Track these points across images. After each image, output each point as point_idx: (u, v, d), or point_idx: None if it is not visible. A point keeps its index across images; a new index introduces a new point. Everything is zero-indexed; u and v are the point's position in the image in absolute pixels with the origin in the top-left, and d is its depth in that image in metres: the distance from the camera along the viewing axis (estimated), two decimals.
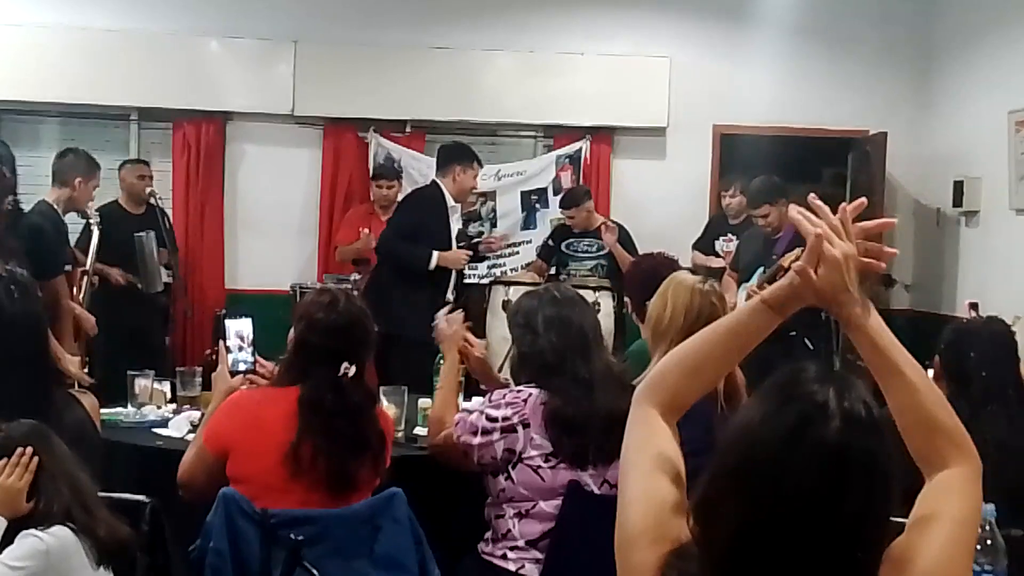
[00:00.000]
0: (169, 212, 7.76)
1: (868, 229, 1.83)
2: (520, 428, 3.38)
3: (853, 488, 1.51)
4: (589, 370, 3.41)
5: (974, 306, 5.99)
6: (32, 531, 2.62)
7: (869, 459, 1.52)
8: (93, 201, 6.19)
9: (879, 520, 1.54)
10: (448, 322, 4.08)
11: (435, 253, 6.26)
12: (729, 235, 7.69)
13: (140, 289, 6.94)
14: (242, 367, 3.65)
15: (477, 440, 3.42)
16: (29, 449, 2.68)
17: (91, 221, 6.34)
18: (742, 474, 1.55)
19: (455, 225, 6.49)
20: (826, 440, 1.51)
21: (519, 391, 3.47)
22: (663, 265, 4.42)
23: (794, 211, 1.80)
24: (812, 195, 1.83)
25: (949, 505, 1.67)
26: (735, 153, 8.69)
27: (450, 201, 6.41)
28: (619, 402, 3.15)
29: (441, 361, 4.09)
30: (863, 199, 1.92)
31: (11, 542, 2.61)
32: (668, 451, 1.82)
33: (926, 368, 4.27)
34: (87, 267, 6.15)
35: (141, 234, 6.92)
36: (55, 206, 5.93)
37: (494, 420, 3.41)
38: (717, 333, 1.86)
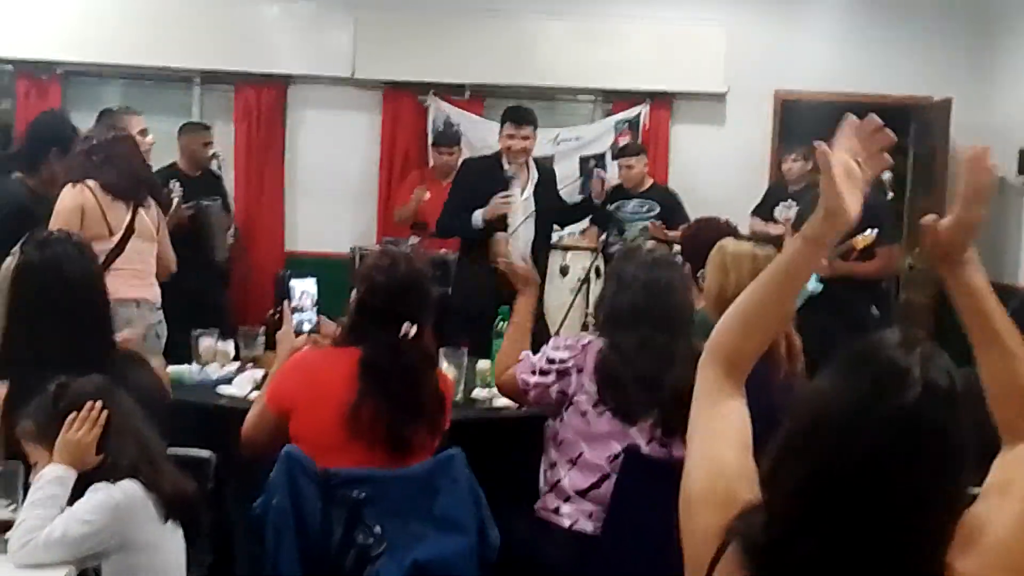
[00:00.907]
0: (230, 175, 7.82)
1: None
2: (574, 372, 3.48)
3: (924, 458, 1.48)
4: (670, 341, 3.41)
5: None
6: (102, 485, 2.67)
7: (945, 430, 1.50)
8: (148, 149, 6.13)
9: (949, 493, 1.52)
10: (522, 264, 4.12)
11: (476, 212, 6.06)
12: (789, 201, 7.63)
13: (209, 254, 7.00)
14: (306, 327, 3.69)
15: (534, 380, 3.54)
16: (99, 403, 2.73)
17: (173, 193, 6.38)
18: (813, 434, 1.54)
19: (517, 192, 6.16)
20: (904, 406, 1.49)
21: (579, 337, 3.60)
22: (719, 231, 4.33)
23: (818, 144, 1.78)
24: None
25: None
26: (794, 119, 8.60)
27: (507, 166, 6.22)
28: (692, 381, 3.18)
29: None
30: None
31: (81, 494, 2.67)
32: (733, 414, 1.81)
33: None
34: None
35: (206, 202, 6.97)
36: None
37: (552, 361, 3.51)
38: (768, 280, 1.84)
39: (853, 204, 1.74)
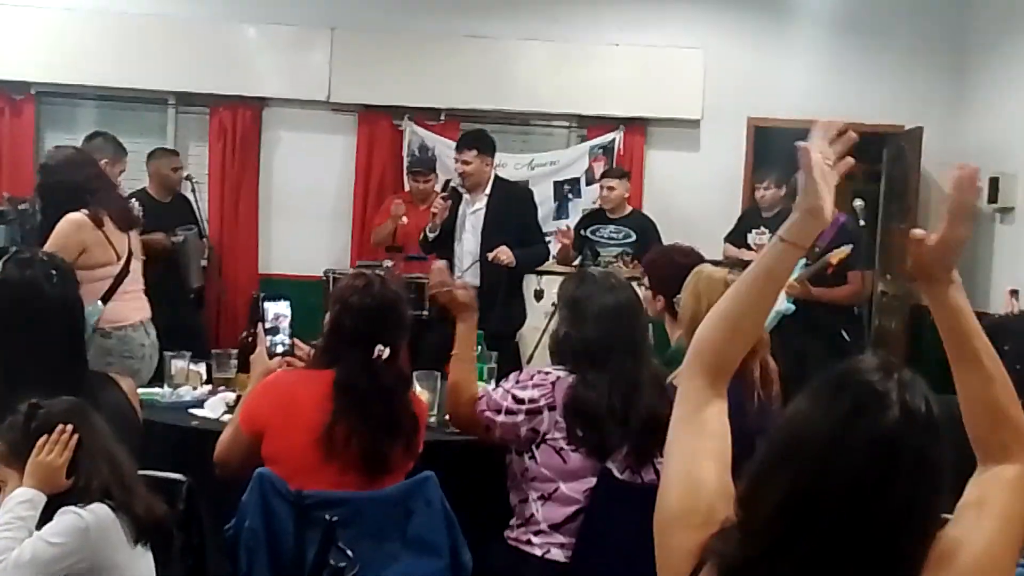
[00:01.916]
0: (205, 196, 7.82)
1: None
2: (546, 410, 3.39)
3: (900, 481, 1.49)
4: (637, 368, 3.39)
5: (1014, 293, 5.93)
6: (71, 508, 2.64)
7: (921, 455, 1.51)
8: (120, 186, 6.21)
9: (925, 516, 1.53)
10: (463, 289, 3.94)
11: (427, 226, 6.42)
12: (762, 228, 7.66)
13: (183, 282, 7.02)
14: (280, 349, 3.67)
15: (500, 419, 3.44)
16: (69, 427, 2.72)
17: (135, 211, 6.36)
18: (790, 456, 1.55)
19: (468, 209, 6.47)
20: (881, 429, 1.50)
21: (547, 372, 3.47)
22: (690, 259, 4.31)
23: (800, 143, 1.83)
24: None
25: (1002, 500, 1.66)
26: (769, 146, 8.66)
27: (455, 182, 6.49)
28: (660, 405, 3.19)
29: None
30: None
31: (50, 518, 2.64)
32: (714, 428, 1.81)
33: None
34: None
35: (179, 237, 6.97)
36: None
37: (520, 402, 3.42)
38: (748, 282, 1.87)
39: (829, 204, 1.76)
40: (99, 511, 2.66)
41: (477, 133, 6.70)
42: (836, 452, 1.51)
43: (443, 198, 6.33)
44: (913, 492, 1.50)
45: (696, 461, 1.77)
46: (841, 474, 1.50)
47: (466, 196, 6.43)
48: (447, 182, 6.60)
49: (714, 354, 1.86)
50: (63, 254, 3.89)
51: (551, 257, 7.53)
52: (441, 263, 4.18)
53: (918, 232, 1.77)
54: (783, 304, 5.64)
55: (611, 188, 7.46)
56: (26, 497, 2.64)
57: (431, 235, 6.43)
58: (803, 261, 6.09)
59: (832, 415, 1.53)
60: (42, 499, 2.66)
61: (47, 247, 4.44)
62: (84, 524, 2.62)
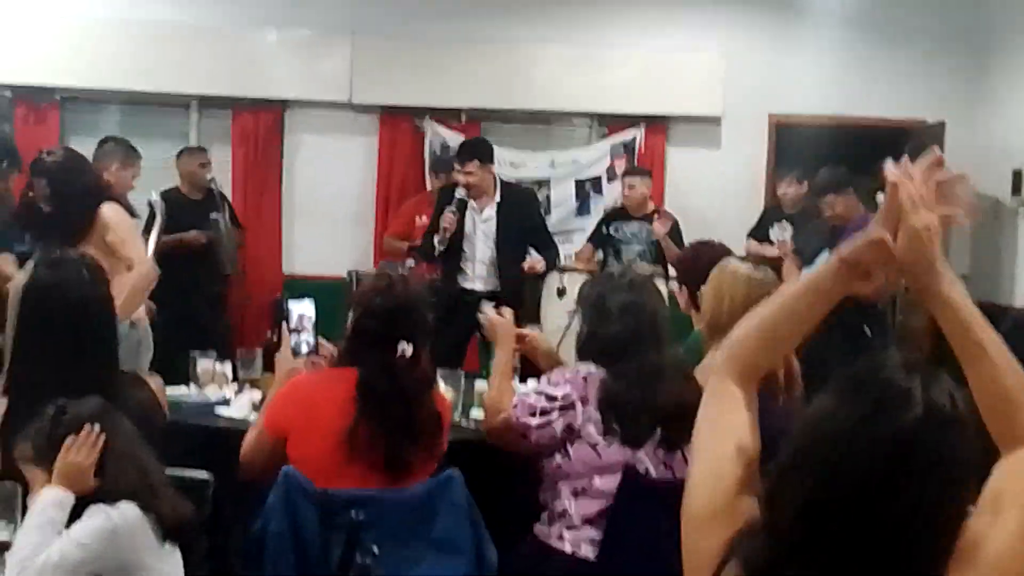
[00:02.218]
0: (228, 199, 7.85)
1: (943, 183, 1.75)
2: (579, 404, 3.40)
3: (925, 479, 1.48)
4: (660, 358, 3.42)
5: None
6: (100, 506, 2.65)
7: (945, 453, 1.49)
8: (132, 189, 6.23)
9: (950, 513, 1.52)
10: (499, 317, 4.01)
11: (435, 237, 6.41)
12: (784, 223, 7.65)
13: (215, 265, 7.05)
14: (304, 349, 3.69)
15: (536, 421, 3.42)
16: (96, 427, 2.73)
17: (155, 207, 6.40)
18: (813, 455, 1.54)
19: (478, 217, 6.48)
20: (905, 427, 1.49)
21: (577, 369, 3.50)
22: (717, 253, 4.35)
23: (889, 167, 1.73)
24: (889, 163, 1.75)
25: (1021, 488, 1.62)
26: (790, 143, 8.64)
27: (459, 190, 6.48)
28: (685, 392, 3.20)
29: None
30: (938, 152, 1.81)
31: (78, 516, 2.66)
32: (740, 427, 1.79)
33: None
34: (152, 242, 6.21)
35: (216, 216, 7.02)
36: None
37: (553, 399, 3.42)
38: (796, 294, 1.83)
39: (909, 245, 1.71)
40: (127, 511, 2.66)
41: (474, 143, 6.72)
42: (859, 451, 1.49)
43: (452, 212, 6.33)
44: (938, 489, 1.49)
45: (723, 463, 1.75)
46: (864, 473, 1.49)
47: (473, 204, 6.43)
48: (451, 191, 6.57)
49: (748, 358, 1.85)
50: (138, 242, 3.88)
51: (567, 257, 7.58)
52: (486, 305, 4.25)
53: (876, 233, 1.71)
54: None
55: (632, 187, 7.47)
56: (54, 498, 2.66)
57: (439, 247, 6.42)
58: (824, 251, 6.08)
59: (854, 413, 1.52)
60: (70, 500, 2.67)
61: (131, 243, 4.54)
62: (112, 525, 2.63)
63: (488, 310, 4.14)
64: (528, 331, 4.09)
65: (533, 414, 3.44)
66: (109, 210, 4.68)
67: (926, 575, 1.52)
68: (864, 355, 1.65)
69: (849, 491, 1.50)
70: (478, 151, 6.50)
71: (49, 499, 2.66)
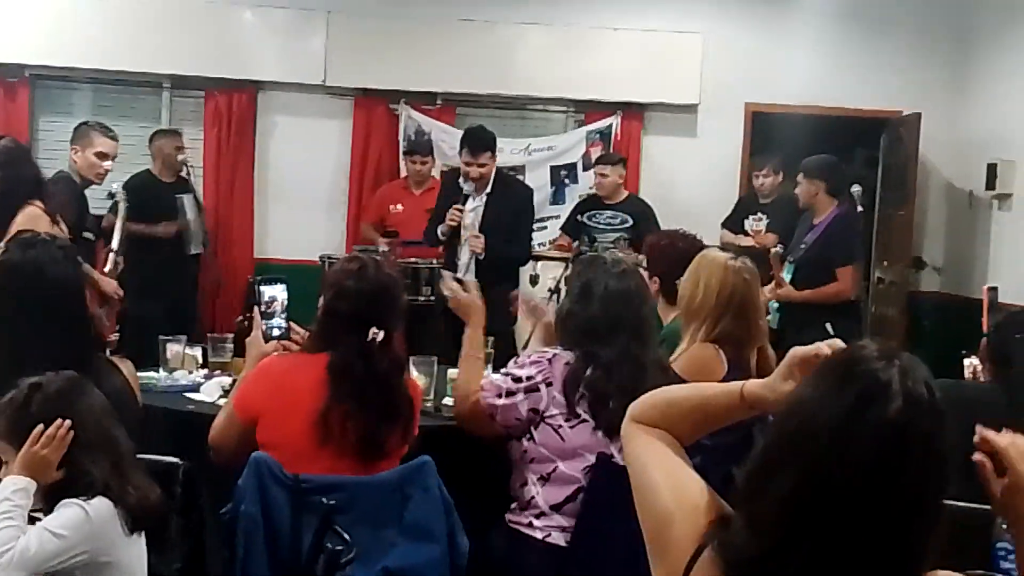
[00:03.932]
0: (200, 180, 7.80)
1: None
2: (543, 387, 3.41)
3: (909, 470, 1.48)
4: (642, 350, 3.42)
5: (992, 290, 5.94)
6: (74, 501, 2.63)
7: (927, 441, 1.50)
8: (95, 167, 6.16)
9: (933, 503, 1.52)
10: (465, 288, 3.95)
11: (439, 227, 6.33)
12: (759, 214, 7.67)
13: (183, 245, 7.00)
14: (276, 332, 3.66)
15: (501, 401, 3.45)
16: (67, 423, 2.69)
17: (116, 196, 6.36)
18: (797, 448, 1.53)
19: (470, 205, 6.39)
20: (886, 420, 1.48)
21: (544, 351, 3.51)
22: (693, 245, 4.36)
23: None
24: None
25: None
26: (767, 132, 8.66)
27: (465, 184, 6.37)
28: (664, 386, 3.20)
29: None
30: None
31: (50, 508, 2.63)
32: (675, 448, 1.83)
33: (971, 353, 4.24)
34: (114, 247, 6.14)
35: (181, 195, 6.98)
36: (70, 174, 6.07)
37: (518, 380, 3.44)
38: (691, 399, 1.91)
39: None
40: (100, 506, 2.64)
41: (482, 133, 6.47)
42: (842, 445, 1.49)
43: (458, 209, 6.25)
44: (921, 479, 1.50)
45: (672, 464, 1.79)
46: (849, 466, 1.48)
47: (473, 196, 6.34)
48: (455, 177, 6.49)
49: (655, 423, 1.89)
50: None
51: (540, 245, 7.55)
52: (446, 274, 4.15)
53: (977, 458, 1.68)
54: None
55: (603, 175, 7.45)
56: (20, 485, 2.63)
57: (442, 237, 6.39)
58: (788, 260, 6.10)
59: (836, 407, 1.51)
60: (33, 488, 2.64)
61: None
62: (86, 517, 2.60)
63: (450, 282, 4.02)
64: (536, 300, 4.02)
65: (500, 395, 3.46)
66: (30, 211, 4.72)
67: (910, 565, 1.53)
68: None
69: (835, 486, 1.49)
70: (491, 142, 6.37)
71: (15, 486, 2.63)
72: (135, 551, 2.73)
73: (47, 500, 2.66)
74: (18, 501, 2.61)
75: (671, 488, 1.74)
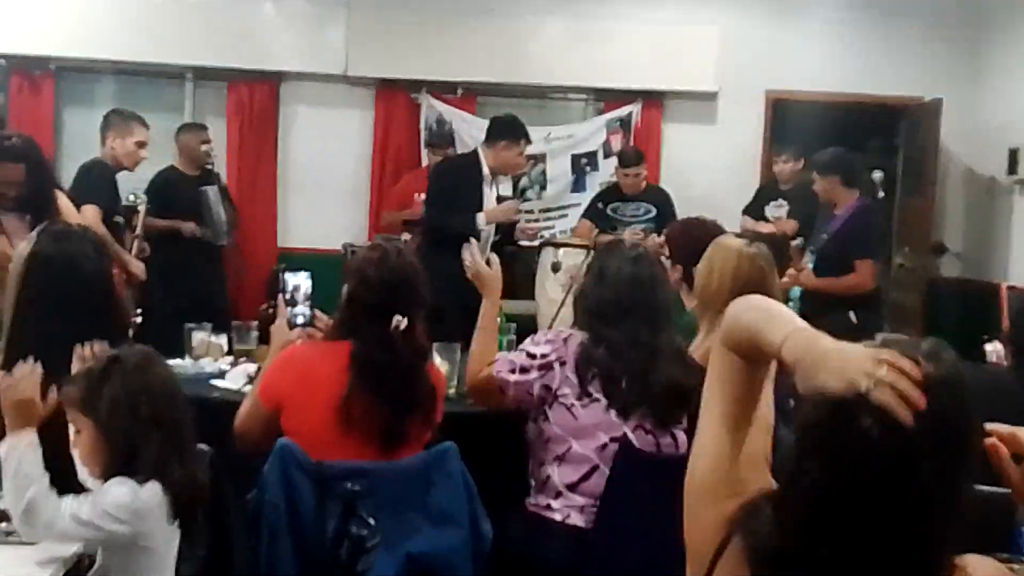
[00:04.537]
0: (223, 171, 7.84)
1: None
2: (557, 366, 3.45)
3: (933, 458, 1.46)
4: (654, 336, 3.43)
5: None
6: (127, 480, 2.61)
7: (953, 430, 1.47)
8: (134, 155, 6.28)
9: (958, 492, 1.50)
10: (486, 266, 3.96)
11: (479, 214, 6.16)
12: (780, 200, 7.66)
13: (208, 241, 7.06)
14: (300, 320, 3.69)
15: (514, 377, 3.49)
16: (31, 361, 2.70)
17: (137, 203, 6.47)
18: (819, 445, 1.51)
19: (491, 193, 6.37)
20: (918, 416, 1.42)
21: (560, 331, 3.56)
22: (715, 232, 4.32)
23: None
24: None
25: None
26: (786, 120, 8.64)
27: (486, 171, 6.34)
28: (680, 374, 3.23)
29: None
30: None
31: (53, 467, 2.63)
32: (743, 392, 1.73)
33: (994, 338, 4.23)
34: (138, 232, 6.27)
35: (205, 187, 7.03)
36: (105, 161, 6.22)
37: (533, 357, 3.48)
38: (752, 322, 1.72)
39: None
40: (150, 492, 2.61)
41: (517, 123, 6.44)
42: (873, 436, 1.46)
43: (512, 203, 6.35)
44: (950, 468, 1.47)
45: (724, 428, 1.72)
46: (878, 454, 1.46)
47: (490, 179, 6.32)
48: (460, 156, 6.48)
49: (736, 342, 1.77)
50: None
51: (562, 232, 7.57)
52: (472, 242, 4.15)
53: (991, 442, 1.64)
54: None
55: (627, 176, 7.39)
56: (29, 442, 2.64)
57: (482, 226, 6.24)
58: (809, 249, 6.10)
59: (863, 403, 1.46)
60: (31, 435, 2.64)
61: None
62: (138, 502, 2.59)
63: (474, 250, 4.02)
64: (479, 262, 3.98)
65: (513, 371, 3.50)
66: (62, 198, 4.98)
67: (936, 551, 1.52)
68: (856, 335, 1.62)
69: (861, 482, 1.47)
70: (525, 131, 6.35)
71: (26, 442, 2.64)
72: (171, 540, 2.73)
73: (104, 471, 2.64)
74: (37, 456, 2.62)
75: (714, 462, 1.72)
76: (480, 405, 3.75)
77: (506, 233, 6.42)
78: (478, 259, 3.95)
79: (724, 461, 1.71)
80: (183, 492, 2.68)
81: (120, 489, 2.61)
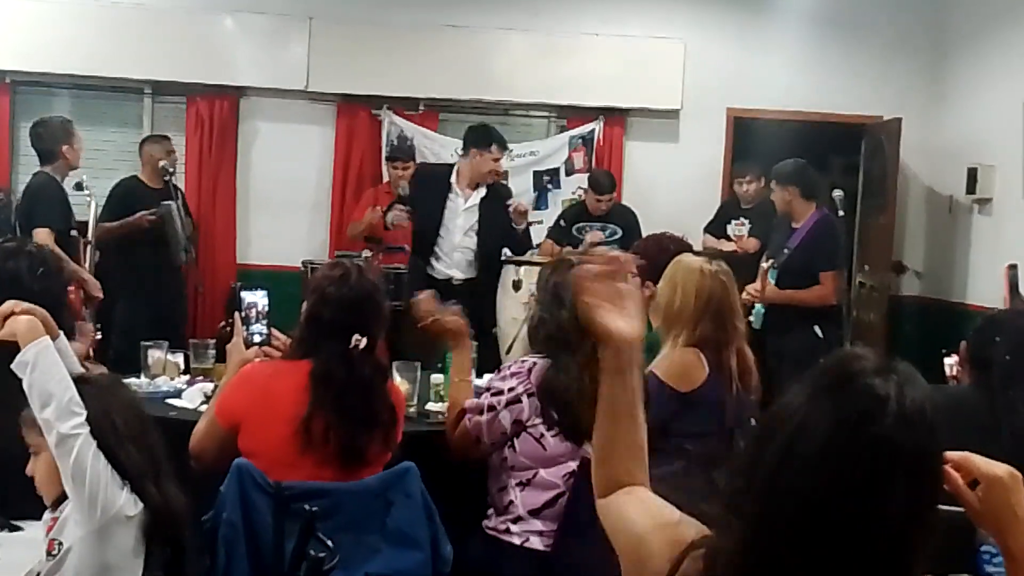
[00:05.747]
0: (182, 186, 7.78)
1: None
2: (525, 398, 3.42)
3: (900, 487, 1.45)
4: None
5: (1012, 267, 5.86)
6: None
7: (921, 459, 1.47)
8: (79, 153, 6.29)
9: (923, 520, 1.49)
10: (451, 317, 3.94)
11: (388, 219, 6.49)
12: (741, 219, 7.69)
13: (168, 256, 6.99)
14: (257, 339, 3.66)
15: (485, 418, 3.46)
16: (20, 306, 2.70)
17: (86, 192, 6.40)
18: (786, 459, 1.49)
19: (462, 204, 6.43)
20: (881, 436, 1.44)
21: (523, 361, 3.50)
22: (683, 248, 4.31)
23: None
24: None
25: None
26: (748, 137, 8.67)
27: (454, 179, 6.39)
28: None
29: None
30: None
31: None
32: (644, 494, 1.79)
33: (950, 353, 4.24)
34: (90, 238, 6.22)
35: (167, 203, 6.96)
36: (53, 175, 6.17)
37: (499, 393, 3.45)
38: (599, 428, 1.84)
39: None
40: (120, 500, 2.60)
41: (491, 130, 6.65)
42: (835, 460, 1.46)
43: (408, 213, 6.34)
44: (912, 497, 1.46)
45: (647, 497, 1.77)
46: (845, 480, 1.45)
47: (457, 191, 6.38)
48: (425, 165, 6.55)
49: (611, 483, 1.83)
50: None
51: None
52: (428, 293, 4.09)
53: (955, 481, 1.67)
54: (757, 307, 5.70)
55: (602, 201, 7.43)
56: (46, 344, 2.62)
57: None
58: (773, 266, 6.10)
59: (831, 419, 1.47)
60: (47, 341, 2.64)
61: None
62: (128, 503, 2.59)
63: (430, 304, 3.98)
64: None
65: (481, 411, 3.47)
66: None
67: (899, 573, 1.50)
68: (819, 352, 1.62)
69: (830, 499, 1.46)
70: (498, 137, 6.48)
71: (45, 344, 2.62)
72: (137, 560, 2.70)
73: (61, 496, 2.62)
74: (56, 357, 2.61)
75: (643, 512, 1.73)
76: (462, 458, 3.68)
77: (504, 236, 6.42)
78: (437, 310, 3.91)
79: (659, 508, 1.73)
80: (161, 509, 2.63)
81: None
